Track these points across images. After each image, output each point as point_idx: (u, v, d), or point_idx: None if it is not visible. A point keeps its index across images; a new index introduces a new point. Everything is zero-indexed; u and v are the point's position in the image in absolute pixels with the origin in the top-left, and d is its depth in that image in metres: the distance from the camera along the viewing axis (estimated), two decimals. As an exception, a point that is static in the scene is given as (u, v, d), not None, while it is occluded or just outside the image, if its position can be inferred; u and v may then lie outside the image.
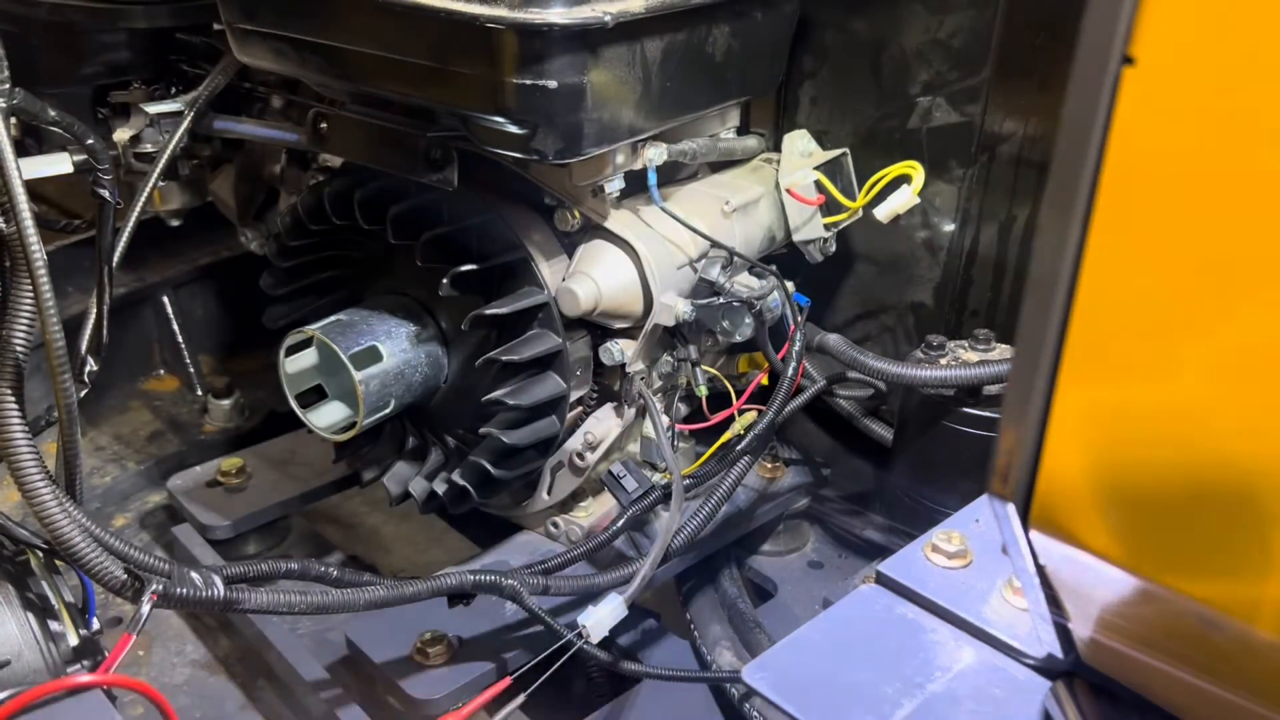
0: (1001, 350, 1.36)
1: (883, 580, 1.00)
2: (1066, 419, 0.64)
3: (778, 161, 1.49)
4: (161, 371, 2.09)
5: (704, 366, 1.41)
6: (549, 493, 1.45)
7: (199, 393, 2.04)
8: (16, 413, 0.98)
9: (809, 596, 1.54)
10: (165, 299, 2.05)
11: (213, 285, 2.11)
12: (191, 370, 2.06)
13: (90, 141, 1.17)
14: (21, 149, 1.05)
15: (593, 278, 1.30)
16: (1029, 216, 1.38)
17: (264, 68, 1.35)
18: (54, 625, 1.06)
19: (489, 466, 1.33)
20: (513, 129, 1.15)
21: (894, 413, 1.52)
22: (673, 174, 1.45)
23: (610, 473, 1.36)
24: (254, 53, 1.32)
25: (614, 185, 1.30)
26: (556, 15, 1.07)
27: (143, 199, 1.39)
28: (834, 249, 1.47)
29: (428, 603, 1.22)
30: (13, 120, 1.01)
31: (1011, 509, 0.68)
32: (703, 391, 1.40)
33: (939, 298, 1.48)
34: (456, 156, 1.25)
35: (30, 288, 0.96)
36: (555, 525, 1.49)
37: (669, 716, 1.35)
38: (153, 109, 1.49)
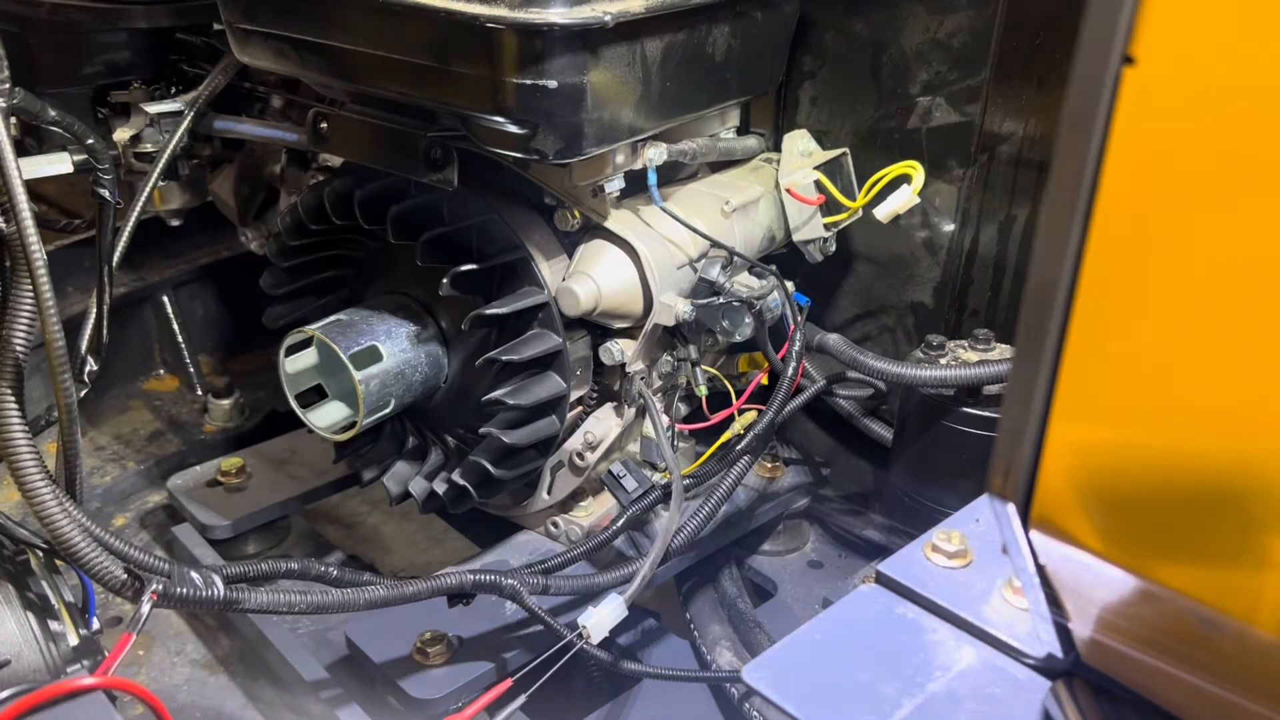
0: (1001, 350, 1.36)
1: (882, 580, 1.00)
2: (1066, 418, 0.64)
3: (778, 161, 1.49)
4: (161, 371, 2.09)
5: (704, 366, 1.41)
6: (549, 493, 1.45)
7: (199, 393, 2.04)
8: (16, 413, 0.98)
9: (809, 596, 1.54)
10: (165, 299, 2.05)
11: (213, 285, 2.12)
12: (191, 370, 2.06)
13: (90, 141, 1.17)
14: (22, 149, 1.05)
15: (593, 277, 1.30)
16: (1029, 216, 1.38)
17: (264, 68, 1.35)
18: (54, 625, 1.06)
19: (489, 466, 1.33)
20: (513, 129, 1.15)
21: (894, 413, 1.52)
22: (673, 174, 1.45)
23: (610, 473, 1.36)
24: (254, 53, 1.32)
25: (614, 185, 1.30)
26: (556, 15, 1.07)
27: (143, 199, 1.39)
28: (834, 249, 1.47)
29: (428, 603, 1.22)
30: (13, 120, 1.01)
31: (1011, 509, 0.68)
32: (703, 391, 1.40)
33: (939, 297, 1.48)
34: (456, 156, 1.25)
35: (30, 288, 0.96)
36: (555, 525, 1.49)
37: (669, 716, 1.35)
38: (153, 109, 1.49)
